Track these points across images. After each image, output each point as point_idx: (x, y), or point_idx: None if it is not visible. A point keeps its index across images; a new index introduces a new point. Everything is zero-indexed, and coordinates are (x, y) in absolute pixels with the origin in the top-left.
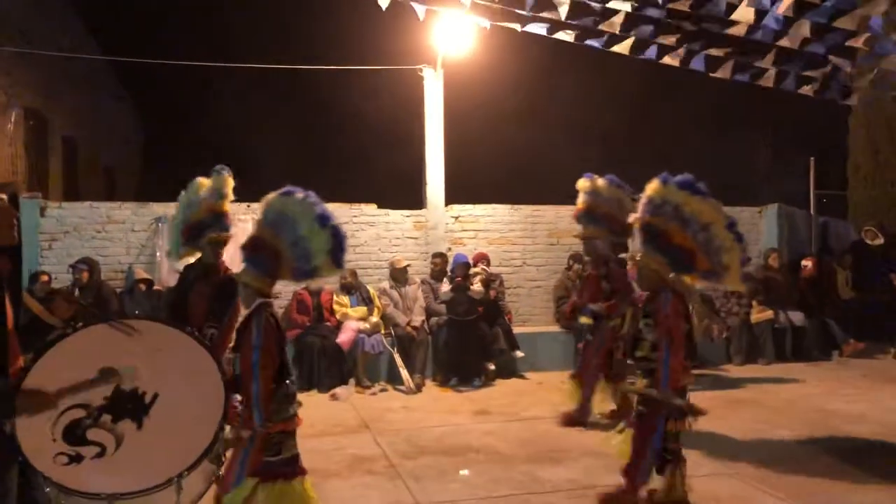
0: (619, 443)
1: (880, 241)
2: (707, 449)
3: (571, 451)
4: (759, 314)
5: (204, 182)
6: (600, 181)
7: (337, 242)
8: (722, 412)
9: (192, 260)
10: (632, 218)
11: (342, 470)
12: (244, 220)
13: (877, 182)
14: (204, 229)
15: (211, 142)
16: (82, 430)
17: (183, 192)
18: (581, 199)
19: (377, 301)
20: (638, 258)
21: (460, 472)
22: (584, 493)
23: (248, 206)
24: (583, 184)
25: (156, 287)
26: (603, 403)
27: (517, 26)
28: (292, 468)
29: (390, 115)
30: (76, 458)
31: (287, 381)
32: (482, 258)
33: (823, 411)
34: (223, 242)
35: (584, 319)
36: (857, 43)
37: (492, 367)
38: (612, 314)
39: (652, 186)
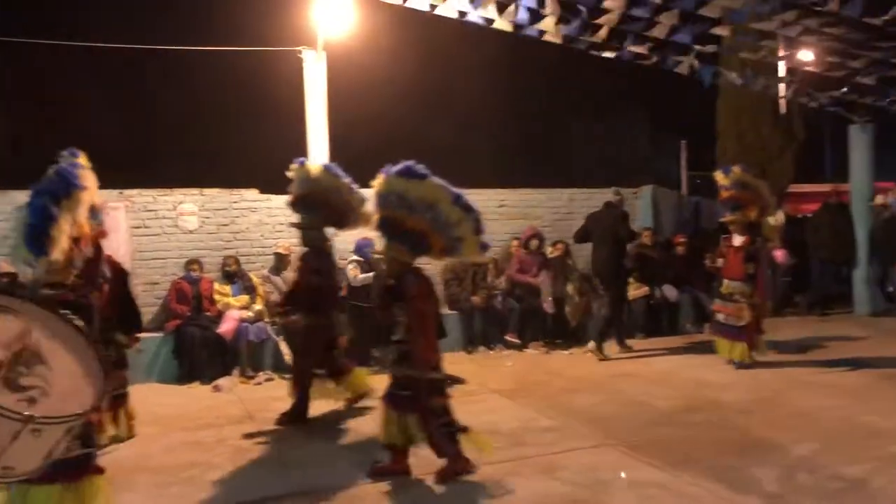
0: (384, 427)
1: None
2: (589, 421)
3: None
4: (635, 291)
5: None
6: (314, 168)
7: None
8: (602, 385)
9: None
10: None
11: (224, 462)
12: (116, 207)
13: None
14: None
15: (80, 127)
16: (15, 380)
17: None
18: (293, 187)
19: (260, 289)
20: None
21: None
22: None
23: (121, 192)
24: (294, 170)
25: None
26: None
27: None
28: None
29: (273, 99)
30: (31, 400)
31: None
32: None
33: (697, 381)
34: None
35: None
36: (723, 31)
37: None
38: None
39: (377, 181)
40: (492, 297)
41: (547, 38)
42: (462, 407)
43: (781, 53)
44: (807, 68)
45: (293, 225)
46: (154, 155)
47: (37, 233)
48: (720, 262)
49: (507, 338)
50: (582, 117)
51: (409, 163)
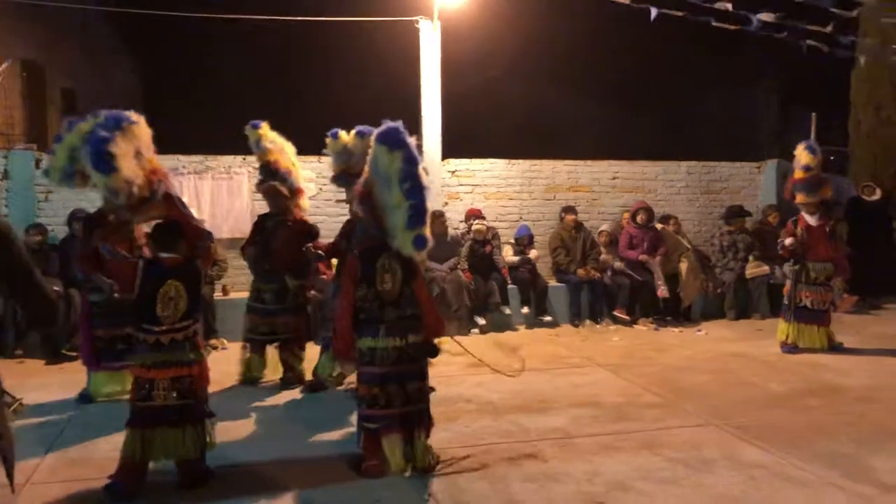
0: None
1: (877, 196)
2: (695, 400)
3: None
4: (755, 269)
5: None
6: (348, 137)
7: None
8: (711, 365)
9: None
10: None
11: (336, 417)
12: (240, 172)
13: (878, 138)
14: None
15: (210, 95)
16: None
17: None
18: (332, 162)
19: None
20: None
21: None
22: None
23: (244, 158)
24: (330, 144)
25: None
26: None
27: None
28: None
29: (386, 68)
30: None
31: None
32: (475, 213)
33: (814, 365)
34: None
35: None
36: None
37: (482, 321)
38: None
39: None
40: (602, 271)
41: (669, 9)
42: (565, 379)
43: None
44: None
45: (340, 201)
46: (272, 122)
47: (98, 153)
48: (791, 240)
49: (616, 313)
50: (707, 90)
51: (391, 125)
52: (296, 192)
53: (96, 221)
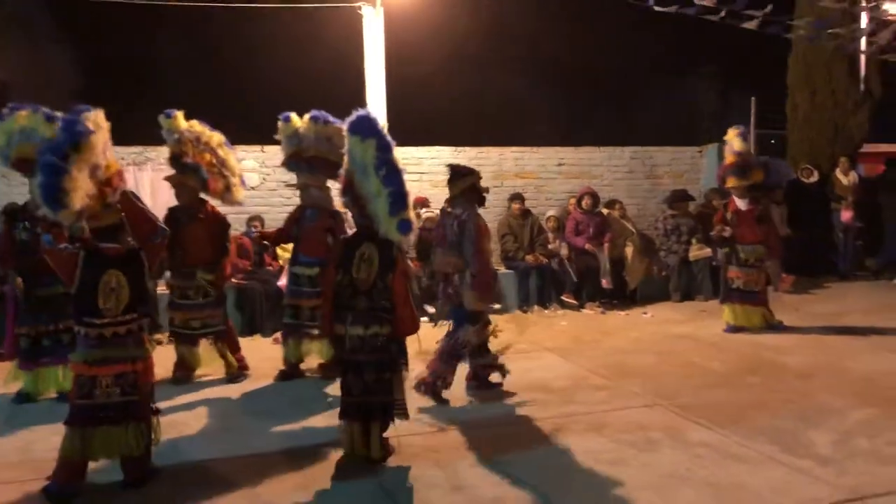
0: None
1: (815, 178)
2: (641, 381)
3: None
4: (697, 252)
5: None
6: (300, 121)
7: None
8: (656, 347)
9: None
10: None
11: (283, 411)
12: None
13: (813, 122)
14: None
15: (150, 84)
16: None
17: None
18: (283, 146)
19: None
20: None
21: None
22: None
23: None
24: (282, 127)
25: None
26: None
27: None
28: None
29: (330, 55)
30: None
31: None
32: (422, 202)
33: (756, 344)
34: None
35: (304, 270)
36: None
37: (431, 310)
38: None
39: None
40: (549, 257)
41: None
42: (514, 364)
43: (864, 3)
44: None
45: (290, 186)
46: (214, 111)
47: (49, 189)
48: (727, 230)
49: (564, 298)
50: (650, 76)
51: (362, 114)
52: (206, 183)
53: (21, 216)
